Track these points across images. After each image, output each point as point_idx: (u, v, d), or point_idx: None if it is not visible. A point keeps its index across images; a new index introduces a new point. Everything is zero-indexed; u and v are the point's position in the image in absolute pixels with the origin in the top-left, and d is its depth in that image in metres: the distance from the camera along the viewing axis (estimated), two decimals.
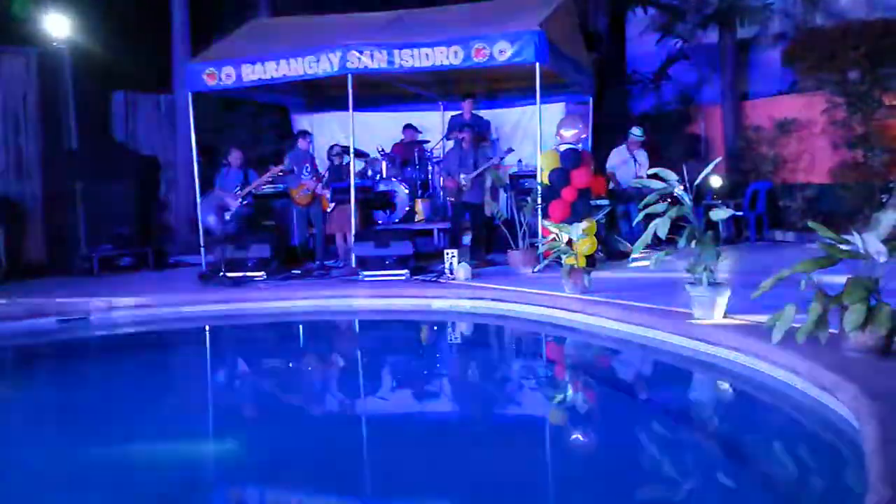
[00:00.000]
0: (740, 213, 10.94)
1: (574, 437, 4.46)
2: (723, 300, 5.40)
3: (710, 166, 5.68)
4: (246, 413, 5.15)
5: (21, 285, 8.76)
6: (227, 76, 9.19)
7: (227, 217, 9.39)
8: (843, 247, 4.28)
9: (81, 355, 6.74)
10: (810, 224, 4.72)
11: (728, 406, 4.82)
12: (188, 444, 4.32)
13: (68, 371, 6.18)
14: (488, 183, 10.03)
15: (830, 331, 4.24)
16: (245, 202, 9.67)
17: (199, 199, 9.69)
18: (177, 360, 6.94)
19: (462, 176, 9.36)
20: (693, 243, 5.42)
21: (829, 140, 11.24)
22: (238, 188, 9.66)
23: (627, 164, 10.33)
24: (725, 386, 5.00)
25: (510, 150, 9.87)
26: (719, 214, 5.54)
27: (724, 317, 5.40)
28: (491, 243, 9.77)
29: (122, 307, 7.53)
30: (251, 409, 5.28)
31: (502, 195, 10.76)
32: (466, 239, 9.73)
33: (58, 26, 10.69)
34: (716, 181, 10.37)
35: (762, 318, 4.69)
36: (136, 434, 4.44)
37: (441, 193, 10.87)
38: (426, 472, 3.71)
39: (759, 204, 11.19)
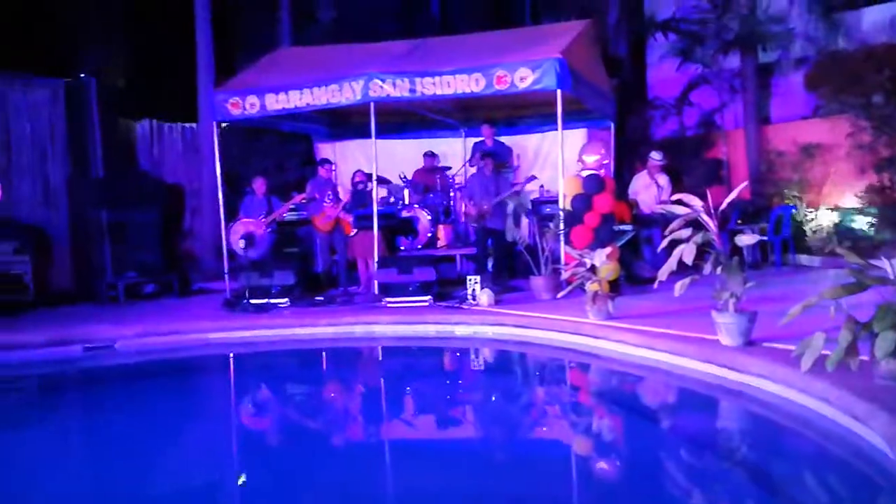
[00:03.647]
0: (765, 238, 10.85)
1: (601, 466, 4.41)
2: (750, 327, 5.35)
3: (736, 191, 5.66)
4: (274, 441, 5.15)
5: (48, 313, 8.85)
6: (251, 105, 9.29)
7: (253, 245, 9.46)
8: (871, 272, 4.23)
9: (108, 383, 6.76)
10: (838, 249, 4.67)
11: (758, 435, 4.74)
12: (211, 472, 4.32)
13: (95, 399, 6.21)
14: (510, 209, 10.03)
15: (861, 358, 4.17)
16: (269, 229, 9.75)
17: (223, 227, 9.76)
18: (203, 387, 6.96)
19: (468, 202, 9.44)
20: (719, 269, 5.38)
21: (854, 164, 11.14)
22: (262, 216, 9.74)
23: (649, 189, 10.30)
24: (754, 415, 4.93)
25: (533, 178, 9.89)
26: (745, 240, 5.50)
27: (752, 344, 5.34)
28: (513, 269, 9.76)
29: (147, 334, 7.57)
30: (279, 436, 5.28)
31: (524, 221, 10.75)
32: (489, 265, 9.74)
33: (84, 58, 10.88)
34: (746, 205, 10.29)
35: (791, 345, 4.63)
36: (158, 463, 4.45)
37: (463, 219, 10.89)
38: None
39: (784, 228, 11.10)
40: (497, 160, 10.26)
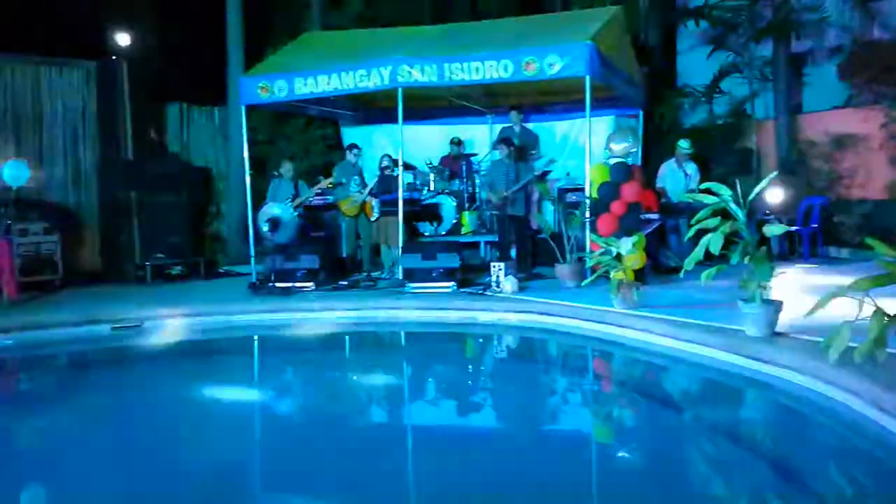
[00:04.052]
0: (794, 229, 10.73)
1: (624, 455, 4.40)
2: (776, 318, 5.30)
3: (766, 181, 5.59)
4: (296, 421, 5.19)
5: (77, 293, 8.97)
6: (279, 89, 9.33)
7: (279, 228, 9.52)
8: None
9: (135, 362, 6.86)
10: (868, 240, 4.60)
11: (783, 427, 4.71)
12: (231, 450, 4.37)
13: (122, 377, 6.30)
14: (535, 196, 10.00)
15: (889, 351, 4.12)
16: (296, 213, 9.81)
17: (250, 210, 9.82)
18: (228, 367, 7.03)
19: (491, 193, 9.42)
20: (746, 259, 5.33)
21: (886, 155, 10.98)
22: (289, 199, 9.80)
23: (677, 177, 10.21)
24: (780, 406, 4.89)
25: (552, 161, 9.86)
26: (774, 230, 5.45)
27: (778, 335, 5.29)
28: (536, 256, 9.73)
29: (174, 315, 7.65)
30: (300, 416, 5.32)
31: (549, 208, 10.72)
32: (514, 252, 9.73)
33: (116, 40, 10.98)
34: (775, 195, 10.18)
35: (817, 336, 4.58)
36: (180, 439, 4.51)
37: (484, 206, 10.89)
38: (476, 488, 3.69)
39: (813, 219, 10.97)
40: (519, 144, 10.22)
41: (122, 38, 11.07)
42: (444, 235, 10.47)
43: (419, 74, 8.75)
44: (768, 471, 3.94)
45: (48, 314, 7.50)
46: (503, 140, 9.84)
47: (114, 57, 11.02)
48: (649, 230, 8.70)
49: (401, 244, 8.98)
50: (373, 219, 9.78)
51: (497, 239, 9.87)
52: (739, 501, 3.58)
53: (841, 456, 4.04)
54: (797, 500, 3.52)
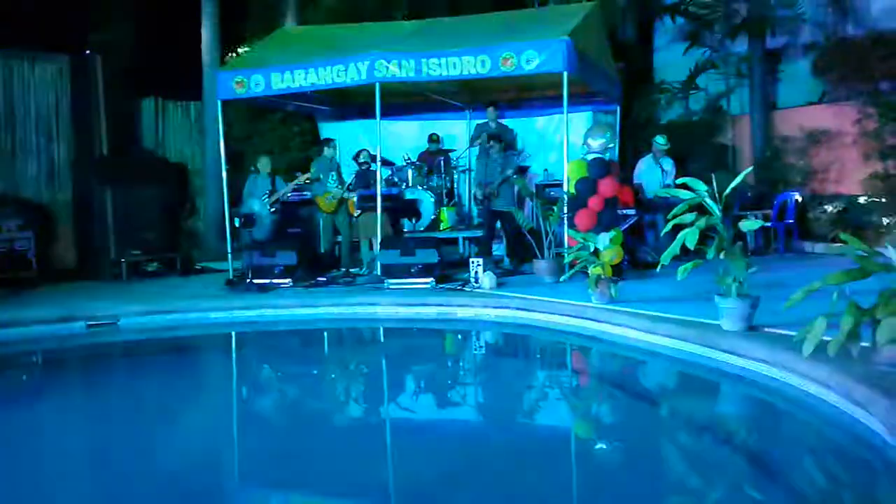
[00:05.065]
0: (769, 224, 10.82)
1: (600, 450, 4.42)
2: (752, 312, 5.35)
3: (741, 177, 5.64)
4: (271, 418, 5.17)
5: (51, 290, 8.88)
6: (256, 84, 9.26)
7: (254, 224, 9.47)
8: (875, 259, 4.22)
9: (110, 360, 6.80)
10: (842, 236, 4.65)
11: (758, 420, 4.76)
12: (210, 449, 4.35)
13: (97, 375, 6.24)
14: (515, 191, 10.02)
15: (862, 344, 4.17)
16: (273, 209, 9.76)
17: (227, 206, 9.75)
18: (203, 365, 7.00)
19: (477, 188, 9.46)
20: (722, 254, 5.37)
21: (859, 151, 11.10)
22: (266, 195, 9.74)
23: (654, 173, 10.27)
24: (755, 399, 4.93)
25: (521, 152, 9.95)
26: (749, 225, 5.49)
27: (753, 329, 5.34)
28: (524, 252, 9.75)
29: (149, 312, 7.58)
30: (276, 413, 5.30)
31: (528, 204, 10.75)
32: (502, 247, 9.78)
33: (89, 34, 10.86)
34: (750, 191, 10.29)
35: (792, 330, 4.63)
36: (158, 440, 4.48)
37: (467, 202, 10.89)
38: (454, 486, 3.70)
39: (788, 215, 11.07)
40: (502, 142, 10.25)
41: (96, 33, 10.95)
42: (422, 231, 10.45)
43: (397, 70, 8.72)
44: (742, 463, 3.98)
45: (22, 312, 7.41)
46: (491, 136, 9.85)
47: (87, 51, 10.90)
48: (626, 225, 8.76)
49: (379, 239, 8.95)
50: (356, 215, 9.71)
51: (483, 234, 9.89)
52: (714, 493, 3.61)
53: (814, 448, 4.09)
54: (770, 492, 3.55)
